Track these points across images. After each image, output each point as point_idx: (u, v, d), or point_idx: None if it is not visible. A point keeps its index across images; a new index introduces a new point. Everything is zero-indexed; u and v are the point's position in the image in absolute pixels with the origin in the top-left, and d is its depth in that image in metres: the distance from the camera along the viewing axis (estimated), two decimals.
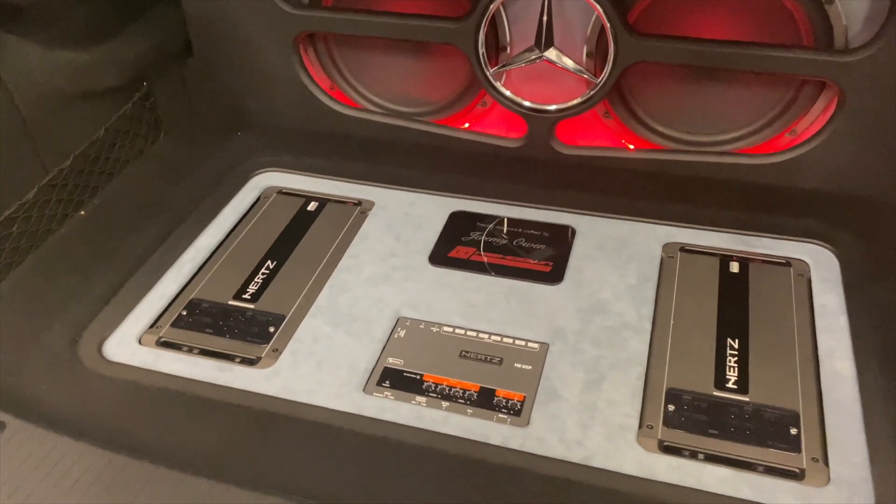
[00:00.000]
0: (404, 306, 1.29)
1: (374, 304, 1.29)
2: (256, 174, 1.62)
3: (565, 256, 1.37)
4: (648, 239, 1.40)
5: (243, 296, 1.33)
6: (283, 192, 1.58)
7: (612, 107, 1.55)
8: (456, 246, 1.41)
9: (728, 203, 1.45)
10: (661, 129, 1.55)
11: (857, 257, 1.31)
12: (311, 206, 1.54)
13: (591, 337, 1.21)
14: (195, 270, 1.38)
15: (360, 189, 1.57)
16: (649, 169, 1.52)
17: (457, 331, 1.24)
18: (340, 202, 1.55)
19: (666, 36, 1.38)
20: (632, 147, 1.61)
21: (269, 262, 1.40)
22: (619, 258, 1.36)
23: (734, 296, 1.27)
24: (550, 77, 1.56)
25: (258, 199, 1.57)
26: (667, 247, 1.38)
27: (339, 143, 1.68)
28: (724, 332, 1.21)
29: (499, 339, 1.22)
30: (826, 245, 1.34)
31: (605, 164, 1.55)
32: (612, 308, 1.26)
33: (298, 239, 1.45)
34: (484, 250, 1.40)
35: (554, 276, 1.33)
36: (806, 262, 1.33)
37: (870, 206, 1.39)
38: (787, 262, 1.33)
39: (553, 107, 1.50)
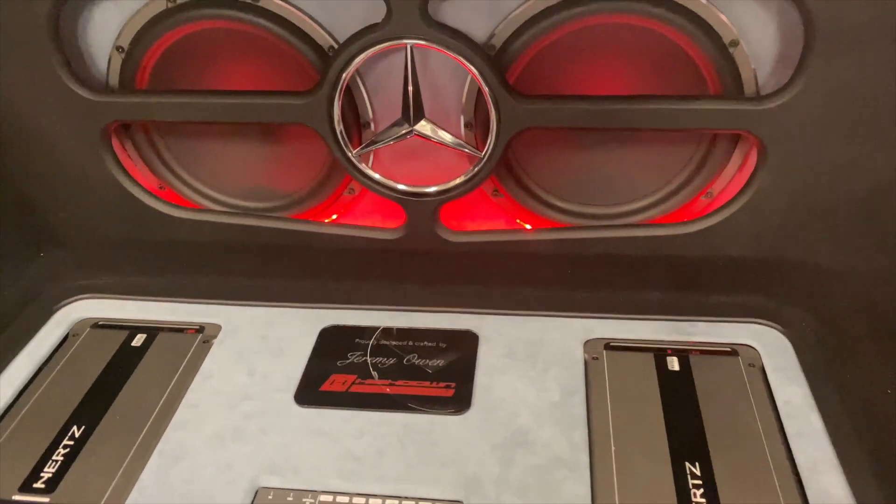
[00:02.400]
0: (263, 472, 0.95)
1: (220, 474, 0.95)
2: (64, 304, 1.26)
3: (470, 372, 1.09)
4: (565, 337, 1.15)
5: (34, 485, 0.95)
6: (99, 325, 1.22)
7: (501, 182, 1.31)
8: (330, 374, 1.10)
9: (649, 284, 1.23)
10: (559, 203, 1.32)
11: (809, 335, 1.10)
12: (138, 341, 1.19)
13: (515, 484, 0.92)
14: None
15: (203, 310, 1.24)
16: (552, 251, 1.29)
17: (338, 499, 0.92)
18: (176, 330, 1.21)
19: (556, 97, 1.16)
20: (529, 227, 1.37)
21: (74, 427, 1.03)
22: (535, 366, 1.10)
23: (681, 402, 1.03)
24: (426, 154, 1.31)
25: (65, 338, 1.20)
26: (588, 345, 1.13)
27: (174, 255, 1.34)
28: (679, 454, 0.95)
29: (395, 503, 0.91)
30: (771, 324, 1.13)
31: (501, 250, 1.30)
32: (536, 437, 0.98)
33: (118, 388, 1.10)
34: (366, 377, 1.09)
35: (458, 401, 1.04)
36: (754, 348, 1.11)
37: (807, 271, 1.20)
38: (733, 351, 1.11)
39: (433, 188, 1.24)
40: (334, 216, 1.42)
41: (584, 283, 1.23)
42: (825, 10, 1.01)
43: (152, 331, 1.20)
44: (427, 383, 1.07)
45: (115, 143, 1.32)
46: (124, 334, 1.20)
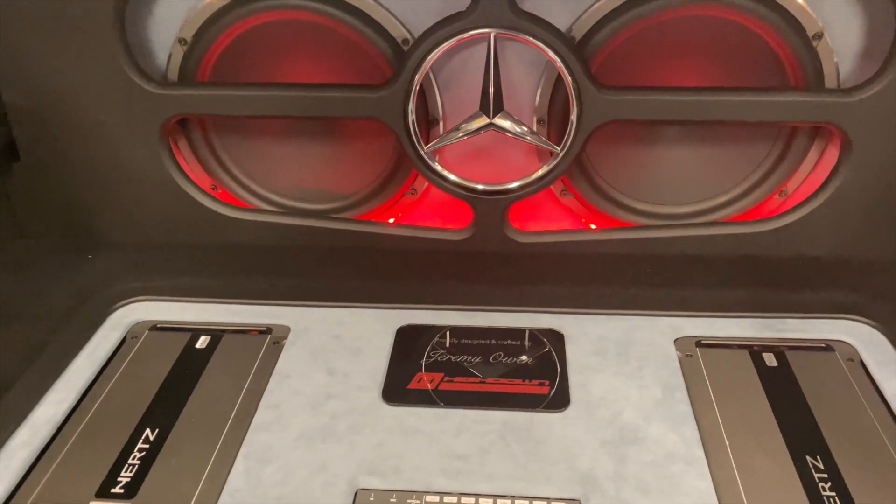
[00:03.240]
0: (362, 472, 0.89)
1: (315, 476, 0.89)
2: (119, 307, 1.19)
3: (561, 370, 1.04)
4: (653, 335, 1.11)
5: (113, 490, 0.88)
6: (158, 328, 1.16)
7: (571, 181, 1.29)
8: (416, 373, 1.04)
9: (732, 282, 1.20)
10: (631, 203, 1.30)
11: None
12: (202, 343, 1.12)
13: (634, 480, 0.87)
14: (33, 458, 0.92)
15: (269, 312, 1.18)
16: (627, 251, 1.26)
17: (445, 499, 0.86)
18: (242, 332, 1.15)
19: (640, 88, 1.15)
20: (594, 227, 1.34)
21: (147, 431, 0.96)
22: (628, 364, 1.05)
23: (787, 397, 0.99)
24: (493, 152, 1.28)
25: (123, 341, 1.13)
26: (679, 342, 1.09)
27: (231, 256, 1.29)
28: (798, 448, 0.91)
29: (508, 503, 0.85)
30: (863, 319, 1.10)
31: (573, 251, 1.26)
32: (646, 434, 0.93)
33: (189, 390, 1.03)
34: (454, 375, 1.04)
35: (556, 398, 0.99)
36: (849, 344, 1.08)
37: (891, 266, 1.18)
38: (828, 346, 1.08)
39: (511, 184, 1.20)
40: (391, 220, 1.38)
41: (665, 282, 1.19)
42: None
43: (216, 333, 1.14)
44: (519, 381, 1.02)
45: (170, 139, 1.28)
46: (187, 336, 1.14)
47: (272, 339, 1.13)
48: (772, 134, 1.23)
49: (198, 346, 1.12)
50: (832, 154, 1.21)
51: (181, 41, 1.21)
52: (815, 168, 1.24)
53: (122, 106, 1.19)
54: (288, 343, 1.12)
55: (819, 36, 1.12)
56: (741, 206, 1.28)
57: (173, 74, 1.24)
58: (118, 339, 1.13)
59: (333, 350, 1.10)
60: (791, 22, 1.11)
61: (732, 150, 1.25)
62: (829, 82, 1.16)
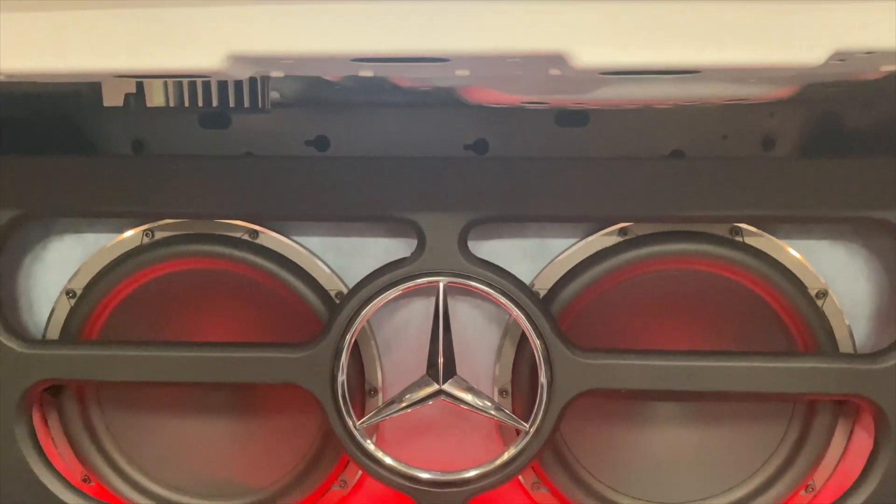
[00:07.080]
0: None
1: None
2: None
3: None
4: None
5: None
6: None
7: (544, 470, 1.01)
8: None
9: None
10: (620, 499, 1.02)
11: None
12: None
13: None
14: None
15: None
16: None
17: None
18: None
19: (625, 352, 0.94)
20: None
21: None
22: None
23: None
24: (438, 431, 1.03)
25: None
26: None
27: None
28: None
29: None
30: None
31: None
32: None
33: None
34: None
35: None
36: None
37: None
38: None
39: (473, 472, 0.93)
40: None
41: None
42: None
43: None
44: None
45: (37, 414, 1.01)
46: None
47: None
48: (786, 412, 1.00)
49: None
50: (863, 437, 0.98)
51: (69, 293, 1.01)
52: (845, 454, 1.00)
53: None
54: None
55: (823, 294, 0.96)
56: None
57: (54, 331, 1.02)
58: None
59: None
60: (789, 277, 0.96)
61: (741, 433, 1.01)
62: (844, 347, 0.97)
